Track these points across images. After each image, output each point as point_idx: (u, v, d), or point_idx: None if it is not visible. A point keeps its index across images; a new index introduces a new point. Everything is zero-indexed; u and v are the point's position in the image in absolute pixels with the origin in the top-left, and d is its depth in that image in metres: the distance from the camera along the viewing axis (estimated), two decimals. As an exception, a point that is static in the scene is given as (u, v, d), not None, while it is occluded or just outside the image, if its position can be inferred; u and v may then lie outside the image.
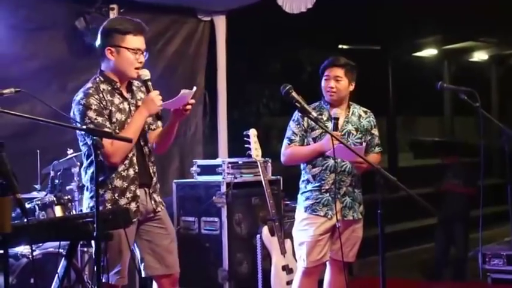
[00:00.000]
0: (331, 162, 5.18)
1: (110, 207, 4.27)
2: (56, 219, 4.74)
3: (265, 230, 6.49)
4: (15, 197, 3.01)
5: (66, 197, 5.73)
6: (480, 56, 16.80)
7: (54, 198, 5.63)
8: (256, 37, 11.12)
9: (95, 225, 3.55)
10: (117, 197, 4.31)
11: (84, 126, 3.88)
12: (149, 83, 4.40)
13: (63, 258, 3.86)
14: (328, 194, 5.21)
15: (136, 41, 4.36)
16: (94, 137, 3.64)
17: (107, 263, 4.09)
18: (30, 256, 5.22)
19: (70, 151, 5.80)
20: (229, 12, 8.13)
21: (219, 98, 8.17)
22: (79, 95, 4.31)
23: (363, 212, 5.38)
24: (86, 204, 4.44)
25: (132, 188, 4.38)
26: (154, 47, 7.57)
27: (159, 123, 4.64)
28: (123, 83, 4.46)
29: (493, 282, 7.12)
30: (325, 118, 5.25)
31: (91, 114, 4.23)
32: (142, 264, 4.56)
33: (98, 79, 4.40)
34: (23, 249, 5.31)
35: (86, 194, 4.44)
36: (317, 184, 5.24)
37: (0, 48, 6.33)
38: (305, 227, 5.27)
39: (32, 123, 6.12)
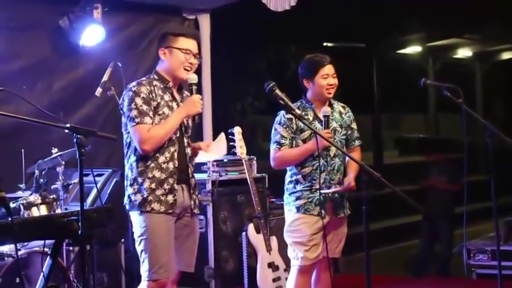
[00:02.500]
0: (321, 161, 5.14)
1: (147, 195, 4.46)
2: (40, 217, 4.74)
3: (250, 227, 6.51)
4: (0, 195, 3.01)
5: (51, 196, 5.70)
6: (464, 52, 16.88)
7: (39, 198, 5.62)
8: (240, 35, 11.13)
9: (79, 224, 3.56)
10: (154, 187, 4.48)
11: (68, 125, 3.87)
12: (194, 87, 4.62)
13: (48, 257, 3.86)
14: (318, 193, 5.15)
15: (187, 43, 4.61)
16: (78, 136, 3.65)
17: (150, 259, 4.43)
18: (15, 255, 5.22)
19: (55, 150, 5.79)
20: (213, 10, 8.14)
21: (204, 97, 8.12)
22: (132, 84, 4.56)
23: (349, 208, 5.39)
24: (125, 193, 4.60)
25: (170, 180, 4.54)
26: (139, 46, 7.57)
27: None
28: (175, 84, 4.67)
29: (478, 277, 7.18)
30: (310, 118, 5.22)
31: (138, 100, 4.45)
32: None
33: (152, 76, 4.65)
34: (8, 248, 5.31)
35: (125, 183, 4.62)
36: (308, 184, 5.19)
37: (-16, 48, 6.32)
38: (299, 226, 5.21)
39: (17, 123, 6.14)
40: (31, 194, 5.66)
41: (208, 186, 6.64)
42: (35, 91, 6.60)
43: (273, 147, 5.25)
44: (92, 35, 6.88)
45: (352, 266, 8.30)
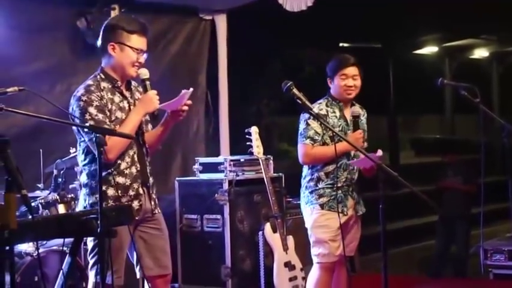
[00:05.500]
0: (344, 160, 5.22)
1: (113, 203, 4.28)
2: (60, 215, 4.78)
3: (267, 227, 6.51)
4: (21, 193, 3.04)
5: (69, 196, 5.77)
6: (481, 53, 16.83)
7: (58, 197, 5.67)
8: (257, 35, 11.15)
9: (98, 222, 3.58)
10: (120, 194, 4.32)
11: (88, 124, 3.92)
12: (147, 82, 4.40)
13: (67, 255, 3.89)
14: (340, 191, 5.22)
15: (140, 42, 4.40)
16: (97, 135, 3.68)
17: (110, 260, 4.11)
18: (34, 254, 5.27)
19: (73, 150, 5.84)
20: (230, 11, 8.16)
21: (221, 97, 8.19)
22: (80, 91, 4.30)
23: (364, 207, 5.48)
24: (82, 201, 4.40)
25: (135, 185, 4.39)
26: (156, 48, 7.59)
27: (150, 126, 4.62)
28: (122, 82, 4.47)
29: (495, 277, 7.15)
30: (337, 114, 5.29)
31: (92, 110, 4.23)
32: (138, 264, 4.52)
33: (98, 76, 4.41)
34: (26, 247, 5.37)
35: (84, 191, 4.40)
36: (330, 182, 5.25)
37: (3, 50, 6.34)
38: (325, 222, 5.25)
39: (36, 124, 6.22)
40: (49, 193, 5.72)
41: (225, 186, 6.64)
42: (54, 92, 6.65)
43: (305, 142, 5.24)
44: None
45: (369, 266, 8.31)
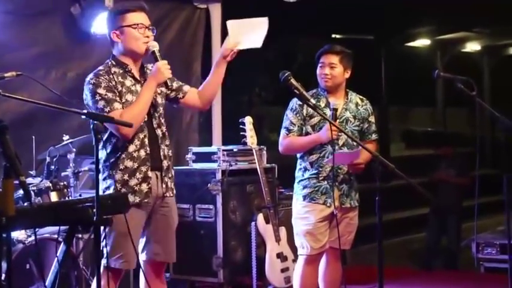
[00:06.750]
0: (328, 149, 5.15)
1: (120, 187, 4.30)
2: (56, 203, 4.75)
3: (260, 217, 6.51)
4: (19, 179, 3.02)
5: (62, 183, 5.73)
6: (473, 46, 16.82)
7: (50, 184, 5.64)
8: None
9: (94, 210, 3.56)
10: (127, 178, 4.33)
11: (85, 111, 3.88)
12: (157, 54, 4.41)
13: (62, 243, 3.86)
14: (326, 182, 5.20)
15: (136, 17, 4.41)
16: (94, 121, 3.65)
17: (111, 247, 4.22)
18: (26, 242, 5.24)
19: (66, 137, 5.81)
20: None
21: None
22: (89, 76, 4.38)
23: (358, 200, 5.41)
24: (101, 187, 4.41)
25: (143, 169, 4.38)
26: (151, 35, 7.55)
27: (187, 86, 4.67)
28: (135, 65, 4.49)
29: (486, 271, 7.19)
30: (322, 105, 5.24)
31: (101, 90, 4.29)
32: (146, 248, 4.53)
33: (109, 63, 4.46)
34: (18, 234, 5.33)
35: (101, 176, 4.42)
36: (314, 171, 5.24)
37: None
38: (305, 214, 5.26)
39: (29, 111, 6.19)
40: (42, 181, 5.68)
41: (218, 176, 6.63)
42: (49, 78, 6.60)
43: (282, 132, 5.31)
44: (103, 22, 6.85)
45: (359, 259, 8.32)
